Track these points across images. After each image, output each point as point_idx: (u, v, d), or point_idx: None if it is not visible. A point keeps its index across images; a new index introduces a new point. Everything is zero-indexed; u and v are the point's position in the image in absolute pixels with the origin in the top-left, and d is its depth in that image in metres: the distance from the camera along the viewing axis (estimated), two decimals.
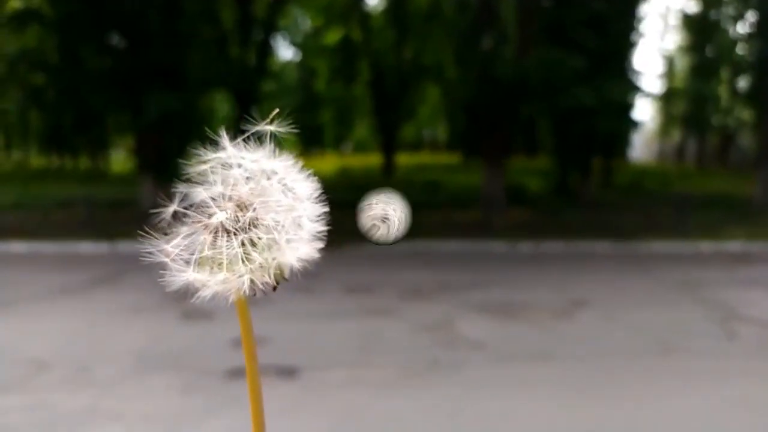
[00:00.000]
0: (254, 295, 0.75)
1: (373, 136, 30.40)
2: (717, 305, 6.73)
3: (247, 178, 0.74)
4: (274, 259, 0.74)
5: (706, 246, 10.75)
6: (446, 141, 35.88)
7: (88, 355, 5.02)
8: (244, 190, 0.74)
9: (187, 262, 0.75)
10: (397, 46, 24.37)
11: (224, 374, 4.57)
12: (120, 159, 30.72)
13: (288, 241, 0.74)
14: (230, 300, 0.75)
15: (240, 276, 0.73)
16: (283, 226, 0.74)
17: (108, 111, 18.43)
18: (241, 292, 0.74)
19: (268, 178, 0.75)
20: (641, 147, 36.02)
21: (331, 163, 27.34)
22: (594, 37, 13.84)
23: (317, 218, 0.77)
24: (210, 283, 0.74)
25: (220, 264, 0.73)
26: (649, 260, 9.81)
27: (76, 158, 31.19)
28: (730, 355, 5.16)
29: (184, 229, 0.74)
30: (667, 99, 32.02)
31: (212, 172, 0.75)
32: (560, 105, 13.71)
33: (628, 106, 16.50)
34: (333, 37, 26.86)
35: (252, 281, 0.74)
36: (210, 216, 0.73)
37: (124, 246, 10.31)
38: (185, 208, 0.74)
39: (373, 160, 27.01)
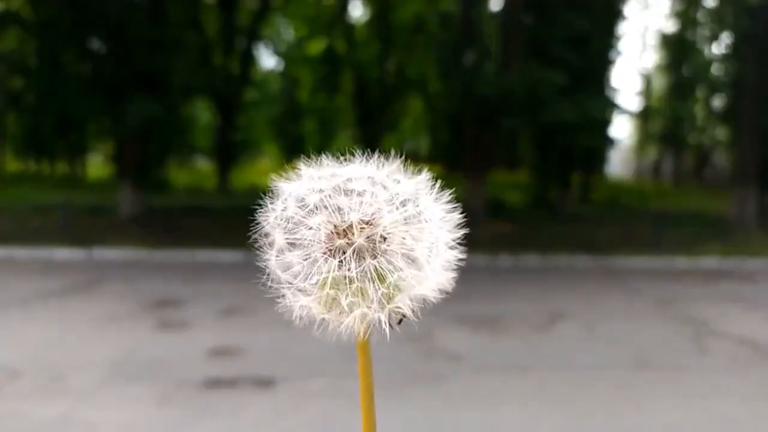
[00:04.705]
0: (384, 330, 0.68)
1: (355, 146, 30.41)
2: (691, 320, 6.83)
3: (370, 197, 0.68)
4: (402, 291, 0.66)
5: (681, 262, 10.93)
6: (428, 153, 36.10)
7: (61, 363, 4.93)
8: (372, 211, 0.67)
9: (301, 287, 0.68)
10: (380, 59, 24.50)
11: (200, 384, 4.52)
12: (97, 165, 30.34)
13: (421, 270, 0.68)
14: (355, 335, 0.68)
15: (366, 311, 0.66)
16: (417, 254, 0.67)
17: (88, 116, 18.23)
18: (368, 329, 0.67)
19: (402, 203, 0.68)
20: (619, 164, 36.54)
21: None
22: (574, 55, 14.07)
23: (452, 245, 0.71)
24: (333, 316, 0.67)
25: (345, 293, 0.66)
26: (625, 275, 9.93)
27: (53, 163, 30.74)
28: (703, 370, 5.24)
29: (298, 251, 0.67)
30: (644, 117, 32.57)
31: (335, 189, 0.68)
32: (541, 120, 13.90)
33: (607, 123, 16.78)
34: (316, 47, 26.93)
35: (379, 317, 0.67)
36: (333, 237, 0.66)
37: (100, 253, 10.17)
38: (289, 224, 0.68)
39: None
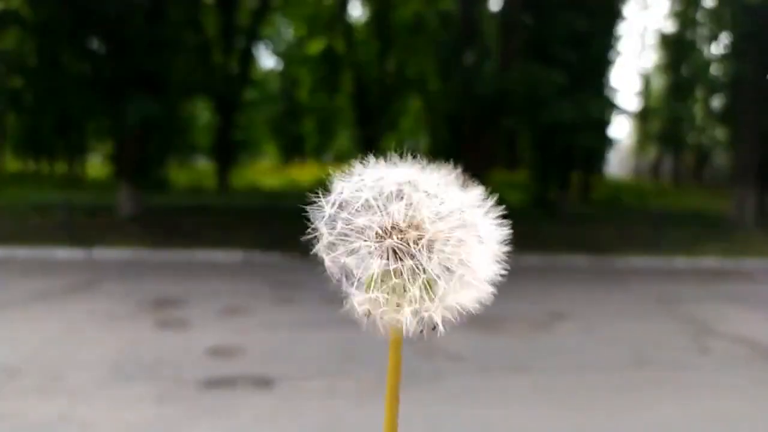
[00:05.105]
0: (421, 332, 0.70)
1: (355, 146, 30.46)
2: (691, 320, 6.84)
3: (425, 202, 0.69)
4: (446, 296, 0.68)
5: (681, 261, 10.93)
6: (427, 152, 36.03)
7: (61, 362, 4.93)
8: (426, 216, 0.68)
9: (351, 280, 0.69)
10: (380, 58, 24.51)
11: (200, 384, 4.52)
12: (97, 164, 30.32)
13: (466, 280, 0.69)
14: (389, 332, 0.69)
15: (411, 309, 0.67)
16: (464, 264, 0.69)
17: (88, 116, 18.23)
18: (406, 327, 0.68)
19: (452, 212, 0.70)
20: (618, 163, 36.56)
21: (311, 172, 27.30)
22: (574, 54, 14.07)
23: (497, 260, 0.72)
24: (377, 309, 0.68)
25: (391, 291, 0.67)
26: (625, 274, 9.94)
27: (52, 163, 30.73)
28: (703, 369, 5.24)
29: (351, 246, 0.69)
30: (643, 117, 32.58)
31: (392, 193, 0.69)
32: (540, 120, 13.90)
33: (606, 123, 16.78)
34: (316, 47, 26.94)
35: (421, 317, 0.68)
36: (383, 236, 0.67)
37: (100, 253, 10.17)
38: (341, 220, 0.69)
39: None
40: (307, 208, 0.73)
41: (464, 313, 0.71)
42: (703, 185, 30.32)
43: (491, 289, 0.72)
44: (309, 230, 0.73)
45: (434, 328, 0.70)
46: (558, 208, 17.00)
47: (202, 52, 20.48)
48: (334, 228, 0.71)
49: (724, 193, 18.16)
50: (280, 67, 31.89)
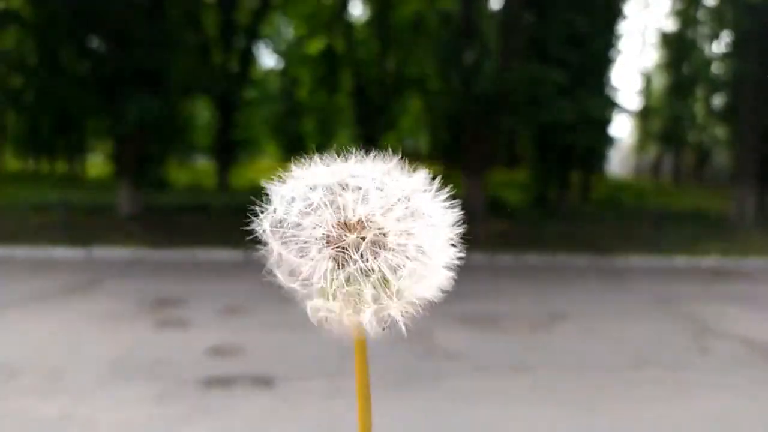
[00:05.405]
0: (383, 329, 0.68)
1: (355, 145, 30.40)
2: (691, 319, 6.83)
3: (368, 195, 0.67)
4: (401, 290, 0.66)
5: (681, 261, 10.93)
6: (428, 151, 36.10)
7: (60, 362, 4.93)
8: (367, 211, 0.66)
9: (304, 288, 0.68)
10: (380, 57, 24.49)
11: (200, 383, 4.52)
12: (97, 163, 30.32)
13: (419, 269, 0.67)
14: (354, 334, 0.68)
15: (366, 310, 0.66)
16: (414, 254, 0.66)
17: (87, 115, 18.22)
18: (366, 327, 0.67)
19: (400, 200, 0.67)
20: (618, 162, 36.54)
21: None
22: (574, 53, 14.06)
23: (451, 243, 0.70)
24: (335, 313, 0.67)
25: (343, 293, 0.66)
26: (625, 274, 9.93)
27: (52, 162, 30.72)
28: (703, 369, 5.24)
29: (299, 253, 0.67)
30: (644, 115, 32.56)
31: (332, 187, 0.67)
32: (541, 119, 13.89)
33: (606, 122, 16.77)
34: (316, 46, 26.91)
35: (385, 315, 0.67)
36: (328, 237, 0.65)
37: (100, 252, 10.17)
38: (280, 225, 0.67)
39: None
40: (251, 215, 0.71)
41: (424, 302, 0.68)
42: (703, 184, 30.30)
43: (450, 274, 0.70)
44: (254, 231, 0.71)
45: (391, 324, 0.68)
46: (558, 207, 16.99)
47: (202, 51, 20.47)
48: (282, 229, 0.69)
49: (725, 193, 18.16)
50: (280, 66, 31.87)
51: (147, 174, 17.06)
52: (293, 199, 0.70)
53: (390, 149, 0.74)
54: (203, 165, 32.23)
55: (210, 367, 4.88)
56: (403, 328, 0.67)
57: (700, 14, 24.28)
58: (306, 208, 0.68)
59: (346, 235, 0.65)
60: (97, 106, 14.35)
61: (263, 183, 0.73)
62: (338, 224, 0.66)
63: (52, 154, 30.23)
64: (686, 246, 11.78)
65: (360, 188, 0.68)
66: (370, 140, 25.03)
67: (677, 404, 4.40)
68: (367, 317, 0.65)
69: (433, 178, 0.72)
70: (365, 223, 0.66)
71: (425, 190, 0.70)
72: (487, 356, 5.43)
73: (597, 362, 5.36)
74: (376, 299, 0.66)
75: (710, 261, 10.94)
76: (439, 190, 0.71)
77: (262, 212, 0.71)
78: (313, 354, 5.33)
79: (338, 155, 0.73)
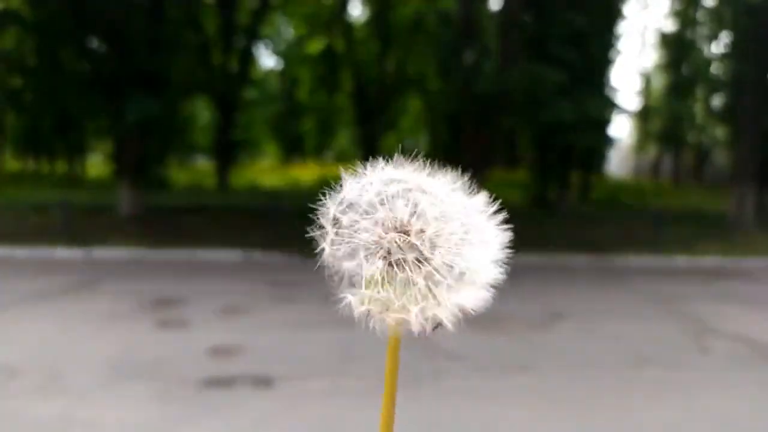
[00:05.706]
0: (427, 330, 0.70)
1: (355, 145, 30.47)
2: (691, 319, 6.84)
3: (429, 205, 0.70)
4: (450, 294, 0.69)
5: (681, 260, 10.93)
6: (427, 152, 36.06)
7: (60, 362, 4.93)
8: (430, 217, 0.69)
9: (353, 279, 0.70)
10: (380, 57, 24.50)
11: (200, 383, 4.52)
12: (97, 164, 30.32)
13: (468, 279, 0.70)
14: (389, 333, 0.70)
15: (418, 307, 0.68)
16: (466, 264, 0.70)
17: (87, 115, 18.22)
18: (412, 325, 0.68)
19: (458, 213, 0.71)
20: (618, 162, 36.55)
21: (311, 171, 27.31)
22: (574, 53, 14.07)
23: (498, 264, 0.74)
24: (379, 309, 0.69)
25: (394, 290, 0.68)
26: (625, 274, 9.94)
27: (52, 162, 30.72)
28: (703, 369, 5.24)
29: (354, 245, 0.69)
30: (643, 116, 32.57)
31: (398, 194, 0.70)
32: (540, 119, 13.90)
33: (606, 122, 16.79)
34: (316, 46, 26.93)
35: (425, 315, 0.68)
36: (385, 240, 0.68)
37: (100, 252, 10.17)
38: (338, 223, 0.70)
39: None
40: (312, 207, 0.74)
41: (464, 314, 0.70)
42: (703, 184, 30.32)
43: (491, 292, 0.73)
44: (312, 229, 0.73)
45: (437, 327, 0.70)
46: (558, 207, 17.00)
47: (202, 51, 20.48)
48: (338, 227, 0.71)
49: (724, 192, 18.15)
50: (280, 66, 31.89)
51: (147, 174, 17.07)
52: (361, 194, 0.73)
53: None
54: (203, 165, 32.25)
55: (210, 367, 4.88)
56: (446, 329, 0.70)
57: (700, 15, 24.32)
58: (371, 206, 0.71)
59: (401, 240, 0.69)
60: (97, 106, 14.36)
61: (335, 174, 0.76)
62: (395, 228, 0.70)
63: (52, 154, 30.24)
64: (686, 246, 11.79)
65: (423, 195, 0.72)
66: (369, 140, 25.07)
67: (677, 404, 4.40)
68: (414, 313, 0.68)
69: (491, 201, 0.76)
70: (421, 232, 0.69)
71: (482, 210, 0.74)
72: (487, 356, 5.43)
73: (596, 362, 5.36)
74: (425, 297, 0.68)
75: (710, 261, 10.94)
76: (495, 213, 0.75)
77: (325, 204, 0.74)
78: (312, 354, 5.33)
79: (405, 161, 0.75)
